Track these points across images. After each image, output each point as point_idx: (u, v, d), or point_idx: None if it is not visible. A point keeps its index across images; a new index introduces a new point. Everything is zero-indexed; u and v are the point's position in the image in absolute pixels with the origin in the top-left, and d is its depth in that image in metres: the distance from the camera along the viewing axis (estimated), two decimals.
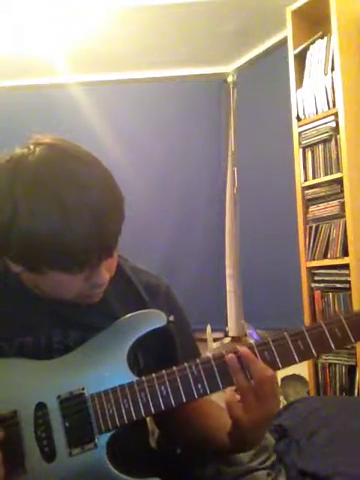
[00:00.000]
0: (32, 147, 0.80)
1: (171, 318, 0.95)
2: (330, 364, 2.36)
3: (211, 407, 1.00)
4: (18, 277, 0.89)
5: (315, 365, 2.42)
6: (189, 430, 0.97)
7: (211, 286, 3.30)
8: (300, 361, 0.84)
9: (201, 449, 0.99)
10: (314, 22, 2.57)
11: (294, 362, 0.84)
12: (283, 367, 0.83)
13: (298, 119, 2.53)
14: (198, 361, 0.85)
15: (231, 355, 0.83)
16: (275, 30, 2.92)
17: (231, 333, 3.29)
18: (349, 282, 2.26)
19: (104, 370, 0.87)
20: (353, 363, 2.27)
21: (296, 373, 2.59)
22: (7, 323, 0.91)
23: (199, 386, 0.83)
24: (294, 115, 2.54)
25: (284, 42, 2.72)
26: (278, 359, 0.83)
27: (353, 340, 0.83)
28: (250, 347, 0.84)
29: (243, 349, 0.83)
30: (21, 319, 0.92)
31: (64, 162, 0.79)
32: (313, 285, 2.44)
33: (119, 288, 0.98)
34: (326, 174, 2.40)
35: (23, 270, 0.83)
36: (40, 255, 0.77)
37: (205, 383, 0.83)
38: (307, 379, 2.49)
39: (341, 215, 2.33)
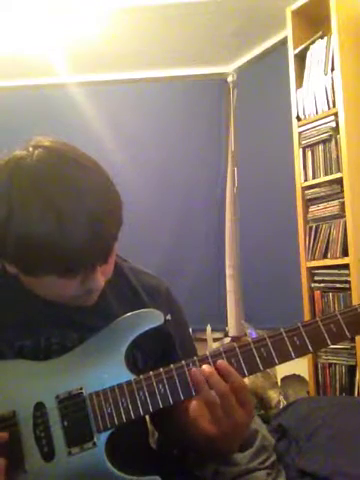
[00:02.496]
0: (31, 149, 0.79)
1: (168, 317, 0.95)
2: (330, 364, 2.36)
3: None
4: (17, 278, 0.89)
5: (315, 365, 2.41)
6: (185, 430, 0.97)
7: (211, 286, 3.30)
8: (297, 357, 0.84)
9: (196, 449, 0.99)
10: (314, 22, 2.57)
11: (291, 358, 0.84)
12: (280, 363, 0.83)
13: (298, 119, 2.53)
14: (195, 358, 0.85)
15: (194, 370, 0.82)
16: (275, 30, 2.92)
17: (231, 333, 3.29)
18: (349, 282, 2.26)
19: (102, 369, 0.87)
20: (353, 363, 2.26)
21: (296, 373, 2.59)
22: (6, 325, 0.91)
23: None
24: (294, 115, 2.54)
25: (284, 42, 2.72)
26: (275, 355, 0.83)
27: (349, 335, 0.84)
28: (247, 344, 0.84)
29: (219, 362, 0.82)
30: (20, 321, 0.92)
31: (62, 167, 0.78)
32: (313, 285, 2.44)
33: (118, 289, 0.99)
34: (326, 174, 2.40)
35: (18, 272, 0.83)
36: (34, 259, 0.77)
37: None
38: (307, 379, 2.49)
39: (341, 215, 2.33)
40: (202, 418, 0.82)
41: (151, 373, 0.85)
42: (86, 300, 0.89)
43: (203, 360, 0.84)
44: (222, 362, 0.82)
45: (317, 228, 2.42)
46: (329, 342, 0.84)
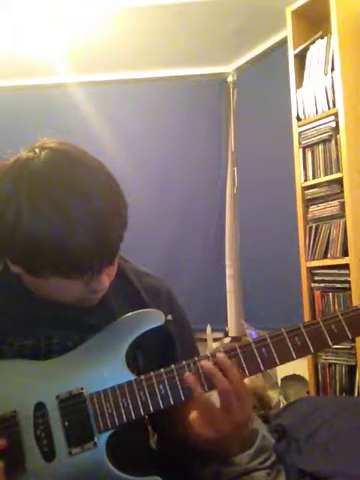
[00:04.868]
0: (38, 151, 0.80)
1: (169, 317, 0.95)
2: (330, 364, 2.36)
3: None
4: (19, 278, 0.89)
5: (315, 365, 2.41)
6: (185, 430, 0.97)
7: (211, 286, 3.29)
8: (297, 357, 0.84)
9: (197, 450, 0.99)
10: (314, 22, 2.57)
11: (292, 358, 0.84)
12: (281, 363, 0.84)
13: (298, 119, 2.53)
14: (196, 359, 0.85)
15: (204, 362, 0.83)
16: (275, 30, 2.92)
17: (231, 333, 3.29)
18: (349, 282, 2.26)
19: (103, 370, 0.87)
20: (353, 363, 2.26)
21: (296, 373, 2.59)
22: (7, 325, 0.91)
23: None
24: (294, 115, 2.54)
25: (284, 42, 2.72)
26: (276, 355, 0.83)
27: (350, 336, 0.84)
28: (248, 344, 0.84)
29: (218, 355, 0.83)
30: (21, 320, 0.92)
31: (69, 168, 0.79)
32: (313, 285, 2.44)
33: (120, 290, 0.98)
34: (326, 174, 2.40)
35: (22, 272, 0.83)
36: (41, 259, 0.77)
37: (203, 381, 0.83)
38: (307, 379, 2.49)
39: (341, 215, 2.33)
40: (196, 423, 0.83)
41: (152, 373, 0.85)
42: (89, 301, 0.89)
43: (204, 360, 0.84)
44: (223, 357, 0.83)
45: (317, 228, 2.42)
46: (330, 343, 0.84)
